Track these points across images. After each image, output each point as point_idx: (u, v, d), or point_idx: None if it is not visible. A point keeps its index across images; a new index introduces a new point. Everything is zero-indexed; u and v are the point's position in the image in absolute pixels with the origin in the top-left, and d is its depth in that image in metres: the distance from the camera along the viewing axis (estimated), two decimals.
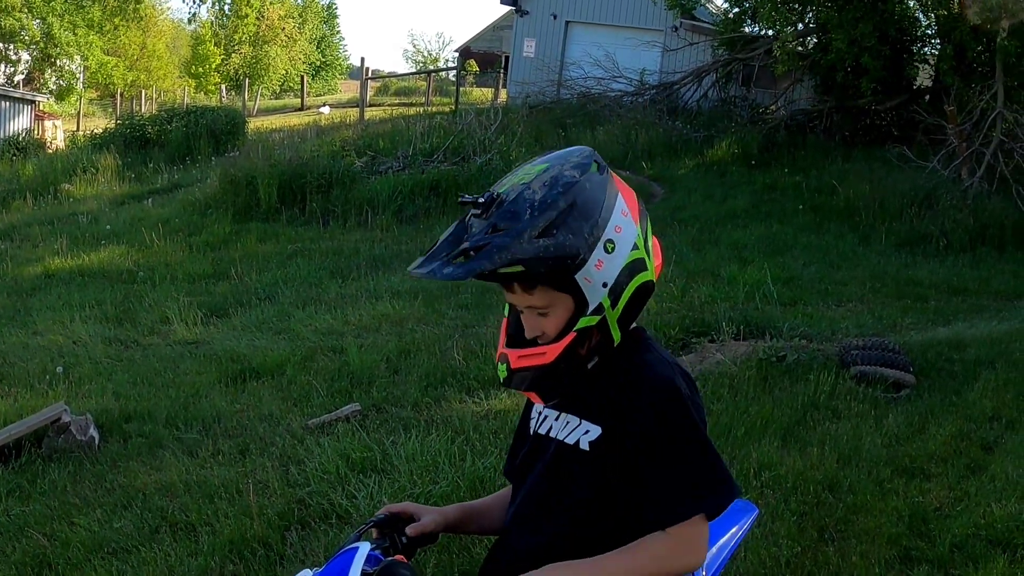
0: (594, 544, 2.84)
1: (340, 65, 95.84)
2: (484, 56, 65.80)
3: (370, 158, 23.24)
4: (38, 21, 43.96)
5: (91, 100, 63.08)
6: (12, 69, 46.12)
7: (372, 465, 7.23)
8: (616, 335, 2.85)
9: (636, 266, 2.84)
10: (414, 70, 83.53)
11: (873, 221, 18.28)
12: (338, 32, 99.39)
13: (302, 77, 65.37)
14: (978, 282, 14.70)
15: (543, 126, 27.19)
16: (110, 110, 56.17)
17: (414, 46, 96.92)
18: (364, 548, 2.76)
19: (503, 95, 42.82)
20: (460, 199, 2.85)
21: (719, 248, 16.29)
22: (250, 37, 69.64)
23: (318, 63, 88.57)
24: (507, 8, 42.72)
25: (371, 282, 14.50)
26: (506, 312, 3.04)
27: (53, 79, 47.96)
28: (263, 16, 68.54)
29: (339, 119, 39.29)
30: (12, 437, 8.32)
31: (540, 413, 3.11)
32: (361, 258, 16.31)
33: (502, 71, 47.76)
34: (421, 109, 38.98)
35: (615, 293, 2.79)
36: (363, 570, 2.71)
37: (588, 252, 2.73)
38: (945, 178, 19.22)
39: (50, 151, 36.30)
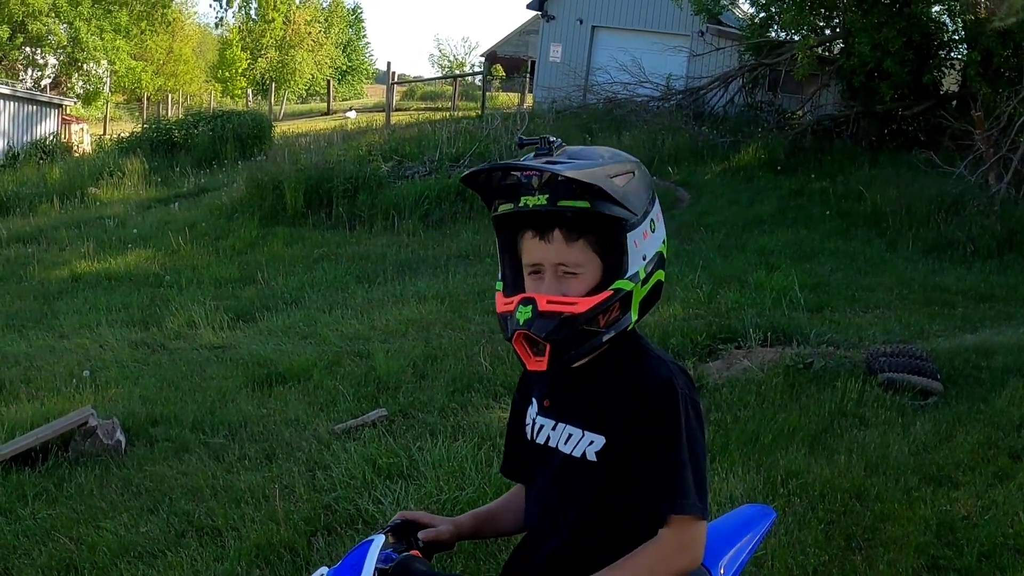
0: (612, 550, 2.81)
1: (366, 70, 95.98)
2: (510, 61, 65.75)
3: (396, 163, 23.28)
4: (65, 26, 44.13)
5: (118, 104, 63.32)
6: (39, 73, 46.33)
7: (398, 471, 7.22)
8: (635, 315, 2.83)
9: (661, 260, 2.89)
10: (440, 75, 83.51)
11: (900, 227, 18.21)
12: (364, 37, 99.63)
13: (328, 81, 65.46)
14: (1006, 289, 14.62)
15: (569, 131, 27.14)
16: (137, 114, 56.35)
17: (440, 51, 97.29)
18: (379, 540, 2.75)
19: (529, 100, 42.83)
20: (520, 140, 2.92)
21: (746, 254, 16.25)
22: (276, 41, 69.69)
23: (344, 67, 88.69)
24: (533, 13, 42.76)
25: (398, 287, 14.52)
26: (499, 287, 3.02)
27: (80, 83, 48.11)
28: (290, 20, 68.59)
29: (365, 124, 39.33)
30: (39, 441, 8.35)
31: (534, 420, 3.09)
32: (387, 263, 16.33)
33: (528, 76, 47.74)
34: (447, 114, 38.96)
35: (648, 271, 2.82)
36: (379, 568, 2.70)
37: (643, 217, 2.79)
38: (972, 184, 19.11)
39: (77, 155, 36.45)
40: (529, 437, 3.13)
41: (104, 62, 46.97)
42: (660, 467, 2.74)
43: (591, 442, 2.86)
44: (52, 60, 46.82)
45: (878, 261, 16.27)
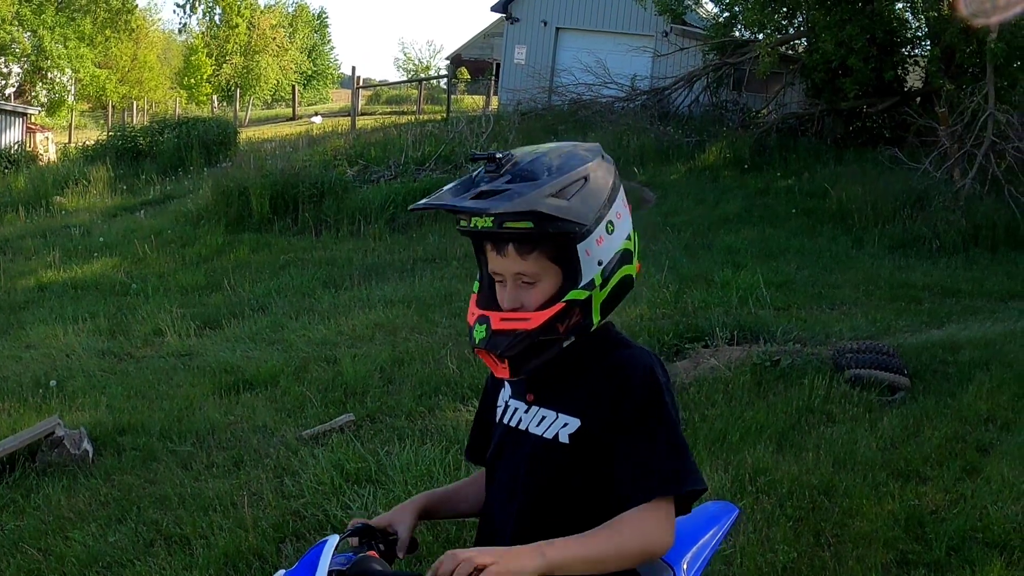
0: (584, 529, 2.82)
1: (331, 74, 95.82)
2: (475, 64, 65.84)
3: (362, 167, 23.28)
4: (28, 34, 43.97)
5: (82, 112, 63.08)
6: (3, 82, 46.14)
7: (366, 475, 7.22)
8: (596, 318, 2.87)
9: (625, 256, 2.91)
10: (405, 78, 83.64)
11: (866, 224, 18.30)
12: (329, 41, 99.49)
13: (293, 87, 65.40)
14: (971, 283, 14.71)
15: (535, 133, 27.17)
16: (102, 122, 56.14)
17: (405, 54, 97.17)
18: (333, 540, 2.74)
19: (494, 102, 42.81)
20: (472, 155, 2.93)
21: (712, 253, 16.30)
22: (241, 47, 69.59)
23: (309, 72, 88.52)
24: (497, 16, 42.75)
25: (364, 291, 14.50)
26: (476, 289, 3.06)
27: (44, 92, 47.95)
28: (254, 26, 68.51)
29: (331, 128, 39.28)
30: (5, 452, 8.31)
31: (506, 403, 3.12)
32: (354, 267, 16.31)
33: (493, 78, 47.77)
34: (413, 117, 38.91)
35: (606, 275, 2.85)
36: (336, 571, 2.70)
37: (594, 225, 2.80)
38: (937, 180, 19.22)
39: (42, 164, 36.23)
40: (498, 419, 3.15)
41: (68, 70, 46.84)
42: (637, 447, 2.76)
43: (564, 424, 2.90)
44: (16, 69, 46.66)
45: (844, 258, 16.35)
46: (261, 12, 71.37)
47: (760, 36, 27.50)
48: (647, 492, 2.72)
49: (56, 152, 40.03)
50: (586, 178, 2.82)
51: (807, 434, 8.08)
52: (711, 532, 3.77)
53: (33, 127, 41.06)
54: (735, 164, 24.18)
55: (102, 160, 30.20)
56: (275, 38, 73.73)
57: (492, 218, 2.71)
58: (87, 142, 36.98)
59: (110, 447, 8.71)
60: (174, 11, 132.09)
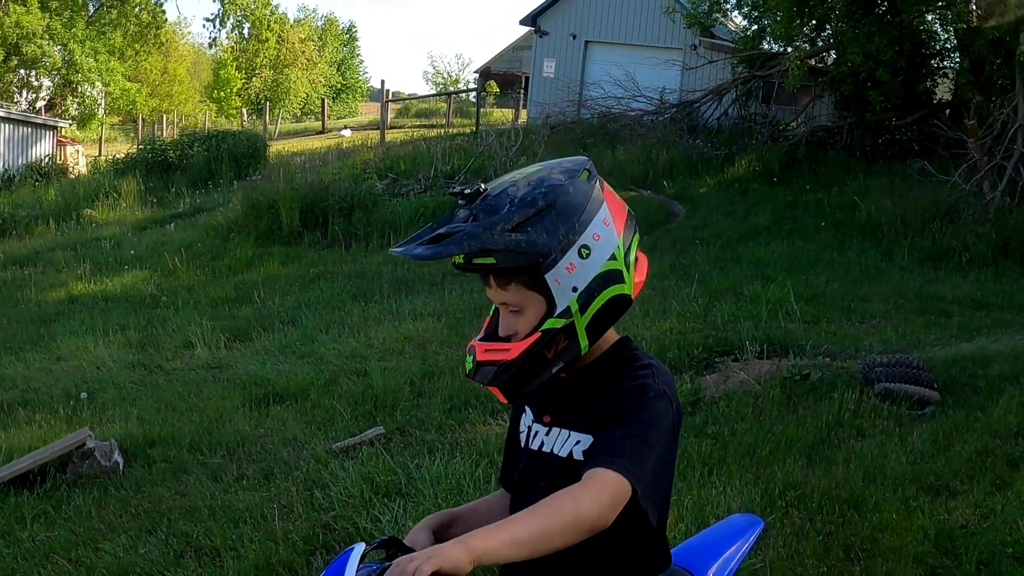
0: (605, 550, 2.88)
1: (360, 87, 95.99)
2: (504, 77, 65.83)
3: (391, 180, 23.34)
4: (59, 48, 44.17)
5: (113, 125, 63.30)
6: (34, 95, 46.34)
7: (396, 489, 7.22)
8: (583, 342, 2.86)
9: (611, 276, 2.86)
10: (434, 92, 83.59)
11: (895, 236, 18.23)
12: (358, 55, 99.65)
13: (323, 100, 65.55)
14: (1001, 296, 14.62)
15: (564, 146, 27.18)
16: (132, 135, 56.36)
17: (434, 68, 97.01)
18: (359, 548, 2.75)
19: (523, 116, 42.86)
20: (451, 190, 2.94)
21: (741, 266, 16.26)
22: (271, 61, 69.83)
23: (339, 86, 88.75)
24: (527, 29, 42.84)
25: (394, 304, 14.51)
26: (491, 311, 3.06)
27: (75, 105, 48.15)
28: (283, 40, 68.75)
29: (360, 142, 39.39)
30: (37, 463, 8.36)
31: (530, 427, 3.13)
32: (383, 280, 16.32)
33: (522, 92, 47.79)
34: (442, 131, 38.99)
35: (585, 299, 2.82)
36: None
37: (560, 253, 2.77)
38: (966, 192, 19.14)
39: (72, 176, 36.46)
40: (523, 444, 3.15)
41: (99, 84, 47.03)
42: (616, 429, 2.72)
43: (578, 442, 2.89)
44: (47, 82, 46.87)
45: (873, 271, 16.28)
46: (291, 26, 71.66)
47: (789, 49, 27.46)
48: (594, 464, 2.65)
49: (86, 165, 40.26)
50: (552, 204, 2.79)
51: (837, 448, 8.05)
52: (736, 544, 3.77)
53: (64, 140, 41.29)
54: (764, 177, 24.13)
55: (132, 173, 30.38)
56: (304, 52, 74.06)
57: (462, 256, 2.74)
58: (117, 155, 37.21)
59: (140, 459, 8.75)
60: (203, 25, 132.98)
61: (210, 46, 69.40)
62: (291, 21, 75.00)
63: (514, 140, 26.16)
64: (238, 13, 52.23)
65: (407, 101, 63.37)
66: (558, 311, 2.80)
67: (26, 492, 8.09)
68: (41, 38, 42.81)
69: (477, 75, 70.69)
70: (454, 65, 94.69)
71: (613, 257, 2.86)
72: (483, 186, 2.85)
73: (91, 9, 48.20)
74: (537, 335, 2.81)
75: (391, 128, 42.60)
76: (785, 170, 24.43)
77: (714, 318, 12.40)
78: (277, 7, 56.69)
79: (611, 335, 3.00)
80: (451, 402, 9.45)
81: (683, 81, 33.00)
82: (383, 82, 43.44)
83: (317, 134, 53.47)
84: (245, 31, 58.54)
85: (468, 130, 37.42)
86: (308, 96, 75.43)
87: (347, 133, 49.65)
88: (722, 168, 25.39)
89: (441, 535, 3.21)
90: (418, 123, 50.67)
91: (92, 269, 19.05)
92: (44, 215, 26.28)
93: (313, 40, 79.84)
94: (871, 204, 19.84)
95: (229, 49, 69.84)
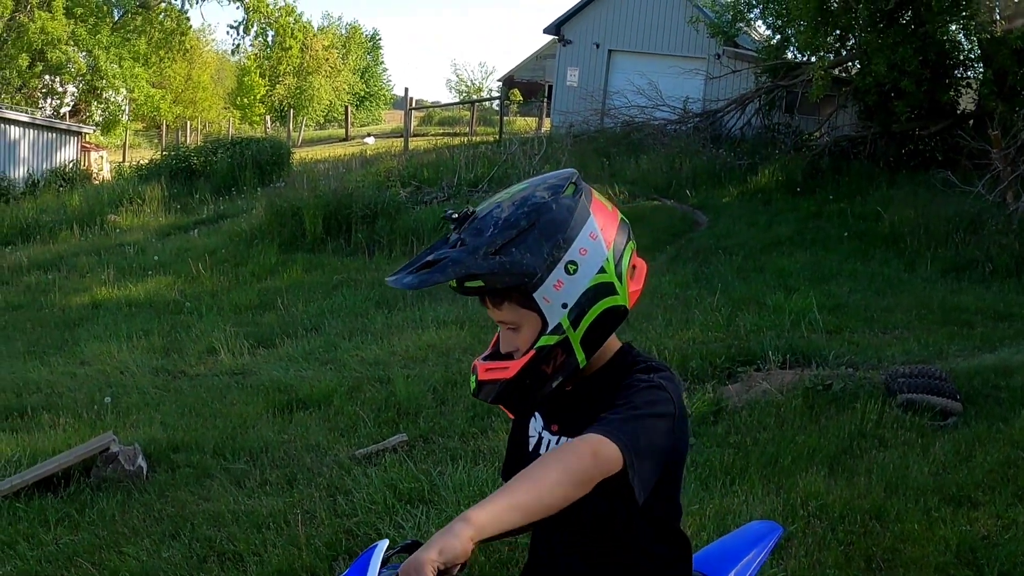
0: (624, 549, 2.94)
1: (384, 95, 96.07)
2: (527, 85, 65.87)
3: (415, 188, 23.39)
4: (84, 54, 44.33)
5: (137, 131, 63.54)
6: (58, 101, 46.52)
7: (419, 495, 7.25)
8: (580, 356, 2.89)
9: (601, 290, 2.87)
10: (458, 100, 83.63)
11: (918, 247, 18.18)
12: (382, 62, 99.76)
13: (346, 107, 65.62)
14: None
15: (587, 155, 27.20)
16: (156, 141, 56.55)
17: (457, 76, 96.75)
18: (383, 544, 2.78)
19: (547, 124, 42.81)
20: (444, 214, 2.95)
21: (764, 276, 16.25)
22: (294, 68, 69.96)
23: (362, 93, 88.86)
24: (550, 37, 42.86)
25: (417, 312, 14.51)
26: (499, 328, 3.08)
27: (99, 111, 48.34)
28: (307, 47, 68.86)
29: (383, 149, 39.46)
30: (61, 467, 8.40)
31: (540, 434, 3.15)
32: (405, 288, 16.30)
33: (546, 100, 47.77)
34: (465, 139, 39.04)
35: (576, 315, 2.84)
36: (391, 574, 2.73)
37: (546, 272, 2.79)
38: (990, 203, 19.07)
39: (96, 182, 36.60)
40: (531, 448, 3.18)
41: (123, 90, 47.20)
42: (607, 416, 2.69)
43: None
44: (71, 88, 47.05)
45: (896, 282, 16.24)
46: (314, 34, 71.78)
47: (812, 59, 27.41)
48: (607, 432, 2.60)
49: (110, 171, 40.42)
50: (534, 223, 2.81)
51: (859, 459, 8.05)
52: (755, 550, 3.80)
53: (88, 146, 41.48)
54: (787, 187, 24.10)
55: (156, 179, 30.45)
56: (328, 59, 74.16)
57: (454, 280, 2.78)
58: (141, 161, 37.35)
59: (164, 464, 8.79)
60: (227, 32, 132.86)
61: (233, 53, 69.60)
62: (315, 29, 75.15)
63: (537, 149, 26.22)
64: (262, 20, 52.30)
65: (430, 109, 63.41)
66: (550, 328, 2.84)
67: (50, 495, 8.13)
68: (66, 44, 42.97)
69: (500, 83, 70.72)
70: (477, 73, 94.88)
71: (602, 270, 2.87)
72: (471, 209, 2.88)
73: (116, 16, 48.36)
74: (532, 353, 2.85)
75: (414, 136, 42.65)
76: (808, 180, 24.37)
77: (737, 328, 12.39)
78: (301, 15, 56.78)
79: (613, 344, 3.04)
80: (473, 410, 9.46)
81: (706, 90, 32.97)
82: (406, 90, 43.53)
83: (340, 141, 53.55)
84: (269, 38, 58.67)
85: (491, 138, 37.41)
86: (331, 103, 75.56)
87: (370, 141, 49.73)
88: (745, 178, 25.36)
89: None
90: (441, 131, 50.73)
91: (116, 274, 19.12)
92: (68, 220, 26.37)
93: (337, 48, 79.94)
94: (894, 214, 19.81)
95: (253, 56, 70.02)
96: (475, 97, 77.60)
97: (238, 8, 50.66)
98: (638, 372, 2.88)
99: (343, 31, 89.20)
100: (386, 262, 18.74)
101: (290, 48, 57.32)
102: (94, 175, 38.56)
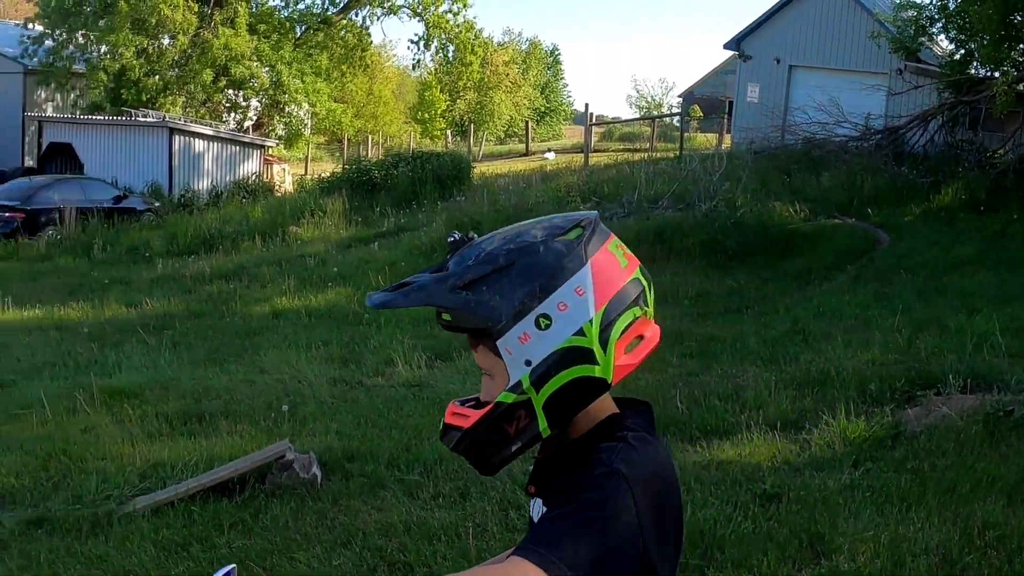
0: None
1: (564, 110, 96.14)
2: (707, 101, 65.59)
3: (594, 204, 23.37)
4: (267, 69, 45.14)
5: (318, 145, 64.53)
6: (242, 115, 47.43)
7: None
8: (542, 424, 2.52)
9: (574, 355, 2.47)
10: (637, 116, 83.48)
11: None
12: (562, 78, 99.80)
13: (526, 122, 65.98)
14: None
15: (768, 172, 26.94)
16: (337, 154, 57.38)
17: (637, 91, 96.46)
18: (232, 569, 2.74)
19: (727, 140, 42.53)
20: (447, 236, 2.69)
21: (946, 297, 15.92)
22: (475, 83, 70.40)
23: (542, 108, 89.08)
24: (730, 53, 42.62)
25: None
26: None
27: (281, 125, 49.14)
28: (487, 62, 69.23)
29: (563, 165, 39.57)
30: (237, 472, 8.56)
31: (531, 502, 2.83)
32: None
33: (726, 116, 47.46)
34: (645, 155, 38.93)
35: (539, 376, 2.47)
36: None
37: (513, 320, 2.46)
38: None
39: (278, 194, 37.30)
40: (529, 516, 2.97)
41: (305, 104, 47.92)
42: (548, 516, 2.45)
43: (543, 510, 2.62)
44: (254, 102, 47.91)
45: None
46: (494, 49, 72.17)
47: (996, 73, 26.82)
48: (516, 550, 2.36)
49: (292, 183, 41.14)
50: (512, 264, 2.49)
51: None
52: None
53: (270, 159, 42.32)
54: (971, 205, 23.58)
55: (337, 192, 30.91)
56: (508, 74, 74.48)
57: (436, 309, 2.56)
58: (323, 174, 37.97)
59: (338, 472, 8.91)
60: (408, 48, 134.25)
61: (414, 68, 70.28)
62: (495, 44, 75.54)
63: (717, 165, 26.00)
64: (442, 36, 52.69)
65: (610, 125, 63.39)
66: (510, 384, 2.49)
67: (225, 500, 8.30)
68: (249, 60, 43.77)
69: (680, 99, 70.52)
70: (657, 89, 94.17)
71: (581, 332, 2.47)
72: (472, 235, 2.63)
73: (298, 32, 49.17)
74: (489, 407, 2.53)
75: (594, 151, 42.73)
76: (992, 198, 23.80)
77: (917, 350, 12.17)
78: (481, 31, 56.99)
79: (605, 407, 2.65)
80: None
81: (888, 107, 32.43)
82: (587, 105, 43.66)
83: (520, 156, 53.87)
84: (449, 53, 59.08)
85: (671, 154, 37.29)
86: (512, 118, 75.90)
87: (550, 156, 49.91)
88: (928, 196, 24.86)
89: None
90: (621, 147, 50.72)
91: (296, 285, 19.46)
92: (250, 231, 26.93)
93: (517, 63, 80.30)
94: None
95: (433, 71, 70.66)
96: (655, 113, 77.43)
97: (419, 23, 51.00)
98: (603, 450, 2.50)
99: (523, 47, 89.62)
100: None
101: (470, 63, 57.57)
102: (276, 187, 39.29)
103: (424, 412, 10.69)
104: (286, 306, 17.85)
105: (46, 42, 43.47)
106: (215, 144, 39.03)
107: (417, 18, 50.80)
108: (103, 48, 42.10)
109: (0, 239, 29.00)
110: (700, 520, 7.00)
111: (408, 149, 43.94)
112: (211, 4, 43.49)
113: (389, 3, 49.42)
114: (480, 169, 39.85)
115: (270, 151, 42.77)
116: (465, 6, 50.39)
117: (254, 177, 39.03)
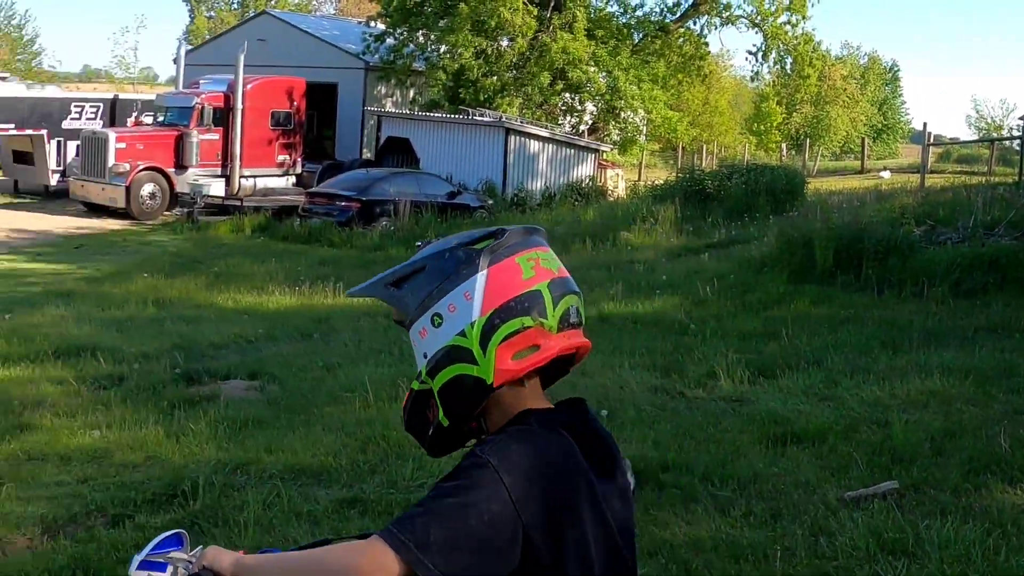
0: None
1: (901, 129, 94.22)
2: None
3: (929, 227, 22.76)
4: (604, 74, 45.49)
5: (653, 152, 64.87)
6: (577, 119, 47.91)
7: (903, 547, 7.10)
8: (440, 414, 2.76)
9: (456, 353, 2.72)
10: (976, 137, 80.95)
11: None
12: (900, 95, 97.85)
13: (862, 139, 64.91)
14: None
15: None
16: (671, 162, 57.63)
17: (977, 112, 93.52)
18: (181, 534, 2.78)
19: None
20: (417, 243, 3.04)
21: None
22: (811, 97, 69.57)
23: (879, 126, 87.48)
24: None
25: (922, 356, 14.07)
26: None
27: (616, 130, 49.46)
28: (825, 76, 68.29)
29: (899, 184, 38.74)
30: None
31: None
32: (913, 330, 15.82)
33: None
34: (983, 179, 37.74)
35: (431, 368, 2.75)
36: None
37: (417, 315, 2.79)
38: None
39: (611, 199, 37.60)
40: None
41: (640, 111, 48.13)
42: (417, 505, 2.56)
43: None
44: (590, 107, 48.33)
45: None
46: (832, 63, 71.13)
47: None
48: (385, 531, 2.49)
49: (625, 189, 41.39)
50: (424, 267, 2.82)
51: None
52: None
53: (604, 163, 42.63)
54: None
55: (670, 200, 30.90)
56: (846, 89, 73.42)
57: None
58: (656, 181, 38.10)
59: (652, 482, 8.92)
60: (746, 58, 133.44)
61: (751, 79, 69.85)
62: (833, 58, 74.45)
63: None
64: (780, 48, 52.14)
65: (948, 146, 61.78)
66: (417, 372, 2.81)
67: None
68: (587, 64, 44.20)
69: (1021, 121, 68.09)
70: (998, 110, 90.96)
71: (463, 333, 2.72)
72: (430, 241, 2.97)
73: (635, 38, 49.38)
74: (408, 393, 2.85)
75: (930, 172, 41.66)
76: None
77: None
78: (819, 44, 56.23)
79: (522, 403, 2.80)
80: (971, 464, 9.16)
81: None
82: (925, 124, 42.71)
83: (855, 173, 53.07)
84: (787, 66, 58.43)
85: (1010, 179, 36.03)
86: (848, 135, 74.74)
87: (886, 175, 48.96)
88: None
89: None
90: (958, 169, 49.33)
91: (624, 290, 19.55)
92: (581, 234, 27.20)
93: (855, 78, 79.08)
94: None
95: (771, 83, 70.09)
96: (995, 135, 75.00)
97: (757, 34, 50.52)
98: (489, 441, 2.68)
99: (862, 61, 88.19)
100: (895, 301, 18.27)
101: (808, 76, 56.87)
102: (609, 192, 39.63)
103: (743, 428, 10.63)
104: (612, 311, 17.94)
105: (387, 40, 45.25)
106: (550, 146, 39.62)
107: (755, 29, 50.36)
108: (443, 47, 43.43)
109: (336, 227, 30.34)
110: (1014, 566, 6.77)
111: (742, 160, 43.75)
112: (550, 8, 44.17)
113: (727, 13, 49.15)
114: (814, 185, 39.33)
115: (604, 155, 43.13)
116: (804, 18, 49.67)
117: (587, 180, 39.44)
